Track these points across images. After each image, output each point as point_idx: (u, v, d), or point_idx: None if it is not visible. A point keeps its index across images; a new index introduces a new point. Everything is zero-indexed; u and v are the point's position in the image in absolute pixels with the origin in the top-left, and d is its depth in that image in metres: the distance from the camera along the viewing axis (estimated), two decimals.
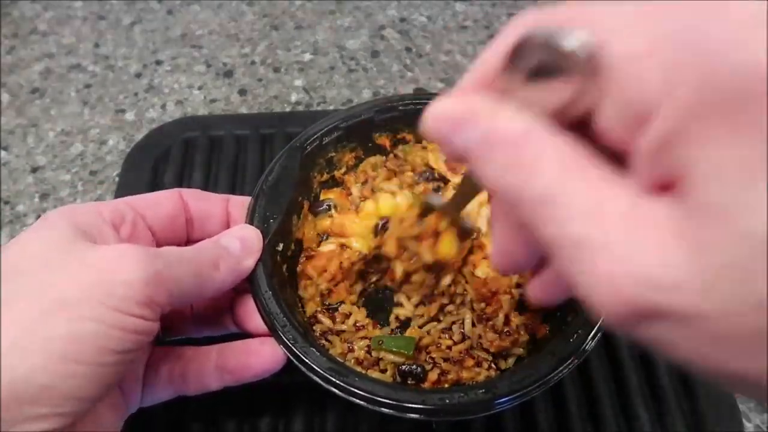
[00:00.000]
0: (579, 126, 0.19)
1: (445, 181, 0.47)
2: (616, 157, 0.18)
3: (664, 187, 0.16)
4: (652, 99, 0.16)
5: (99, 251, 0.30)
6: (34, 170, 0.60)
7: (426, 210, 0.35)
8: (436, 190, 0.47)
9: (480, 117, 0.20)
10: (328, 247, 0.43)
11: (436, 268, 0.36)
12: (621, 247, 0.16)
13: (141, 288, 0.29)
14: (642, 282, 0.16)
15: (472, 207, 0.44)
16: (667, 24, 0.16)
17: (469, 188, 0.30)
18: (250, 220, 0.39)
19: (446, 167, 0.47)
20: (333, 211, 0.44)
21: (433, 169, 0.47)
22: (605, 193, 0.17)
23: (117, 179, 0.58)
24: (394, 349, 0.39)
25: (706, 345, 0.16)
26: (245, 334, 0.38)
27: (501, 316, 0.40)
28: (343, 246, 0.43)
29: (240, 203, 0.41)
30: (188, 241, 0.39)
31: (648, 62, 0.16)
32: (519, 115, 0.19)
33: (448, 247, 0.34)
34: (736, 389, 0.16)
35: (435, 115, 0.22)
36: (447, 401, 0.32)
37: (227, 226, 0.40)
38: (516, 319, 0.40)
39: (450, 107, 0.21)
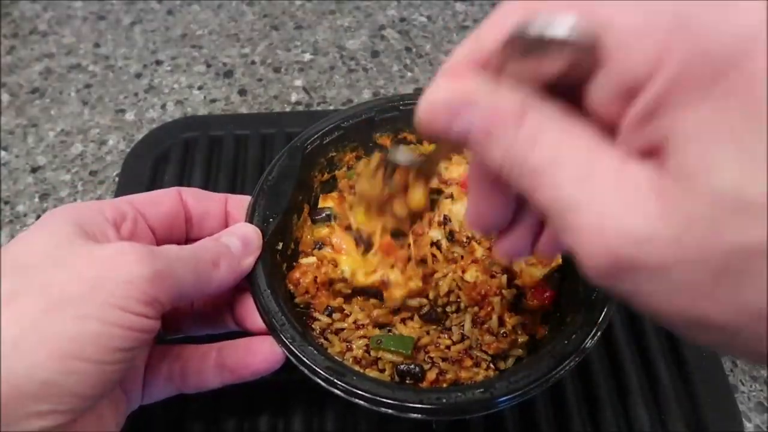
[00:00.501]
0: (569, 93, 0.20)
1: (438, 192, 0.46)
2: (604, 128, 0.19)
3: (649, 154, 0.18)
4: (644, 72, 0.17)
5: (101, 249, 0.30)
6: (34, 170, 0.60)
7: (391, 167, 0.34)
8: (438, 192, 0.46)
9: (479, 99, 0.21)
10: (308, 260, 0.43)
11: (410, 220, 0.35)
12: (605, 205, 0.18)
13: (143, 286, 0.29)
14: (620, 236, 0.17)
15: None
16: (664, 4, 0.17)
17: (446, 150, 0.30)
18: (251, 219, 0.39)
19: (438, 180, 0.46)
20: (333, 221, 0.44)
21: None
22: (595, 157, 0.19)
23: (117, 179, 0.58)
24: (392, 349, 0.39)
25: (674, 293, 0.17)
26: (245, 333, 0.38)
27: (495, 317, 0.40)
28: (332, 262, 0.42)
29: (239, 202, 0.41)
30: (187, 240, 0.39)
31: (644, 39, 0.17)
32: (516, 93, 0.20)
33: (418, 197, 0.33)
34: (706, 340, 0.19)
35: (431, 104, 0.22)
36: (445, 401, 0.33)
37: (226, 225, 0.40)
38: (511, 320, 0.40)
39: (446, 93, 0.22)
